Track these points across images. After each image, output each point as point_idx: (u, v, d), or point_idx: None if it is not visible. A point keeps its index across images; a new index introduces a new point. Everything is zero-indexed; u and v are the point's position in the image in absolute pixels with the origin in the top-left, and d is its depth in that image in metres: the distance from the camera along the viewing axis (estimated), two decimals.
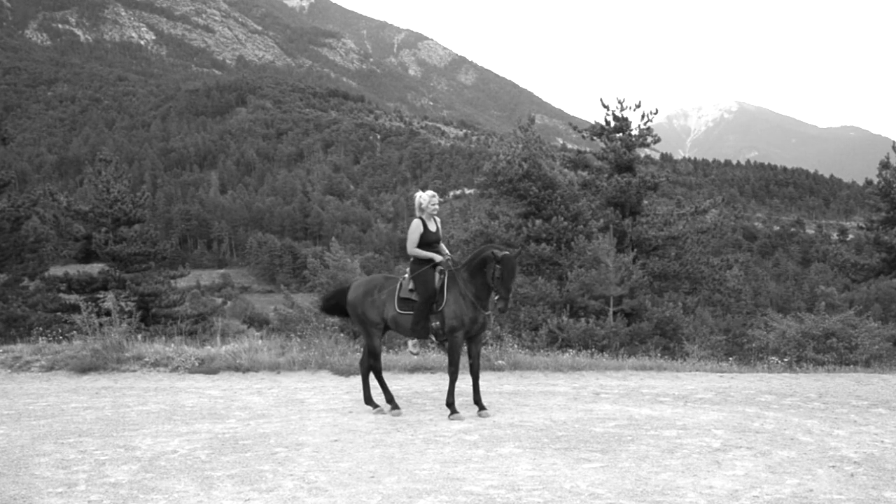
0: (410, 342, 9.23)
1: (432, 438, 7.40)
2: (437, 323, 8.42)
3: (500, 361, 12.85)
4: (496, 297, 8.24)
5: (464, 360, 9.29)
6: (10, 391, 10.84)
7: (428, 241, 8.65)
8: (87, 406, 9.51)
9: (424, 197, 8.76)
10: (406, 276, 8.66)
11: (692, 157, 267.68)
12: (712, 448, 6.93)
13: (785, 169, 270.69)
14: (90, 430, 7.98)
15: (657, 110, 25.33)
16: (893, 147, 25.02)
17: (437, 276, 8.48)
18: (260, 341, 13.78)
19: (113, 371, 12.34)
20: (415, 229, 8.59)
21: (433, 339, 8.73)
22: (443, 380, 10.47)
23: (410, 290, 8.51)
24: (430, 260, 8.52)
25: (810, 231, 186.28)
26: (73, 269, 26.32)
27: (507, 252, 8.26)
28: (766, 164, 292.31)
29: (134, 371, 12.36)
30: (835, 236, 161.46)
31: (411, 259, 8.68)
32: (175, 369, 12.24)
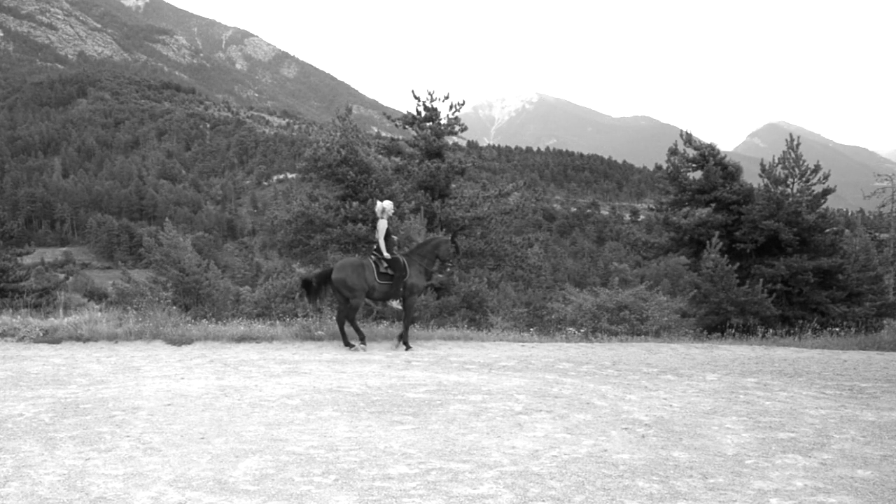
0: (394, 302, 12.21)
1: (258, 403, 7.68)
2: (403, 288, 12.09)
3: (319, 332, 13.01)
4: (448, 265, 12.90)
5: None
6: None
7: (389, 235, 12.22)
8: None
9: (388, 204, 12.29)
10: (373, 258, 12.15)
11: (496, 145, 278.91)
12: (515, 412, 7.28)
13: (581, 155, 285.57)
14: None
15: (464, 101, 26.25)
16: (681, 135, 26.77)
17: (402, 259, 12.16)
18: (99, 314, 14.49)
19: None
20: (384, 228, 12.09)
21: (401, 299, 12.17)
22: (267, 349, 12.11)
23: (386, 268, 11.99)
24: (398, 248, 12.69)
25: (605, 212, 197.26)
26: None
27: (450, 235, 14.00)
28: (564, 150, 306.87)
29: None
30: (627, 217, 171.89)
31: (375, 247, 12.28)
32: (21, 339, 12.84)
